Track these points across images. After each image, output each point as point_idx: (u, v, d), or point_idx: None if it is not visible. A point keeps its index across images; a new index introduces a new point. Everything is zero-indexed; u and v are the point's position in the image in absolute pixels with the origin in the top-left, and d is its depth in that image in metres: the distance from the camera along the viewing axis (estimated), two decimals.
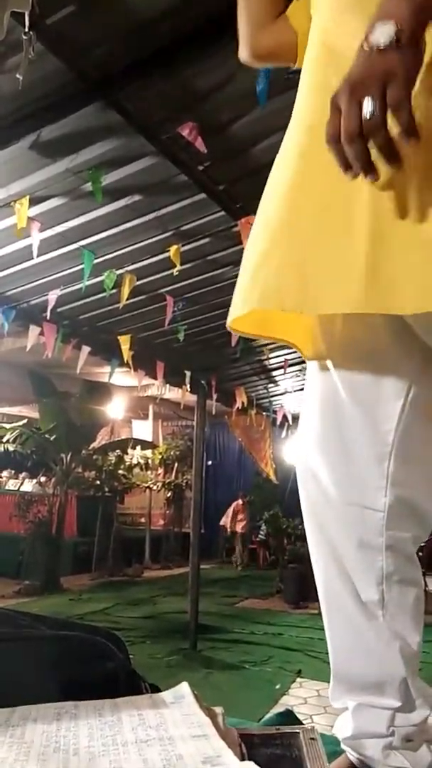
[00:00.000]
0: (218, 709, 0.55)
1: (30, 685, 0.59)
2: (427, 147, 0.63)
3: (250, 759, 0.47)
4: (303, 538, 6.14)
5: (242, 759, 0.46)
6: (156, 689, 0.66)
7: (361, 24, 0.65)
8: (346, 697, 0.86)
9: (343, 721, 0.86)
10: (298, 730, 0.53)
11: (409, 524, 0.79)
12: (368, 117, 0.59)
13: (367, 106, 0.60)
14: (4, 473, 11.05)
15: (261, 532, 11.02)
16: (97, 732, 0.48)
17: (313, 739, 0.51)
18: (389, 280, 0.65)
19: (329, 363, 0.85)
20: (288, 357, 6.02)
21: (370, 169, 0.62)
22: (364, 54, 0.62)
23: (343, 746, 0.85)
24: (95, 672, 0.64)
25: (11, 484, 10.82)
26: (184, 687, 0.58)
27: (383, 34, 0.61)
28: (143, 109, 2.63)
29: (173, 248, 3.53)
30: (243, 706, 3.56)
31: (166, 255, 3.65)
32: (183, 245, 3.62)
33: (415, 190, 0.65)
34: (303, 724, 1.02)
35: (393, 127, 0.60)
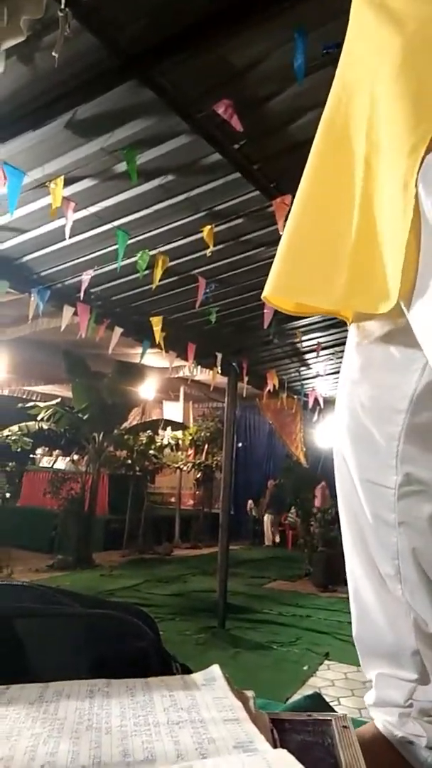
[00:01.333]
0: (249, 693, 0.55)
1: (62, 661, 0.60)
2: None
3: (281, 745, 0.47)
4: (332, 522, 6.17)
5: (274, 744, 0.46)
6: (187, 669, 0.66)
7: None
8: (369, 668, 0.89)
9: (370, 691, 0.89)
10: (330, 717, 0.53)
11: (422, 501, 0.80)
12: None
13: None
14: (39, 450, 11.29)
15: (290, 515, 11.04)
16: (129, 711, 0.48)
17: (345, 727, 0.51)
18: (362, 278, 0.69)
19: (353, 338, 0.86)
20: (321, 340, 5.95)
21: None
22: None
23: (369, 712, 0.88)
24: (127, 650, 0.64)
25: (45, 462, 11.06)
26: (216, 669, 0.58)
27: None
28: (178, 87, 2.60)
29: (206, 228, 3.50)
30: (270, 686, 3.59)
31: (199, 235, 3.62)
32: (216, 225, 3.58)
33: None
34: (332, 708, 1.02)
35: None
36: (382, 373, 0.81)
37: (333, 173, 0.79)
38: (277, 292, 0.83)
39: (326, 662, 4.29)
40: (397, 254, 0.65)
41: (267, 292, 0.85)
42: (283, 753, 0.39)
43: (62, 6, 1.93)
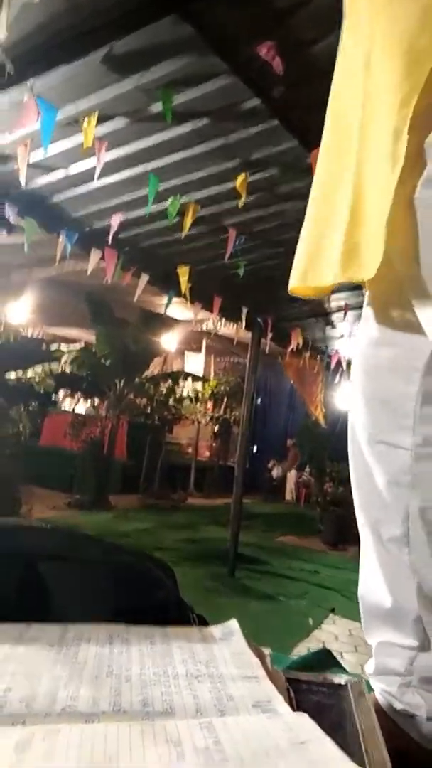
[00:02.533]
0: (266, 650, 0.56)
1: (83, 605, 0.61)
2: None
3: (298, 706, 0.47)
4: (345, 481, 6.19)
5: (290, 705, 0.46)
6: (203, 621, 0.67)
7: None
8: (371, 633, 0.89)
9: (370, 660, 0.90)
10: (345, 681, 0.53)
11: None
12: None
13: None
14: (61, 393, 11.45)
15: (305, 473, 11.13)
16: (148, 660, 0.49)
17: (362, 693, 0.51)
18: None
19: (370, 301, 0.86)
20: (350, 301, 5.84)
21: None
22: None
23: (370, 683, 0.89)
24: (146, 599, 0.65)
25: (66, 404, 11.23)
26: (233, 624, 0.59)
27: None
28: (220, 25, 2.47)
29: (240, 177, 3.39)
30: (276, 636, 3.70)
31: (231, 184, 3.52)
32: (251, 174, 3.47)
33: None
34: (342, 666, 1.04)
35: None
36: (399, 335, 0.80)
37: (335, 152, 0.81)
38: (296, 281, 0.84)
39: (331, 617, 4.40)
40: (383, 206, 0.66)
41: (291, 285, 0.87)
42: (303, 717, 0.39)
43: None
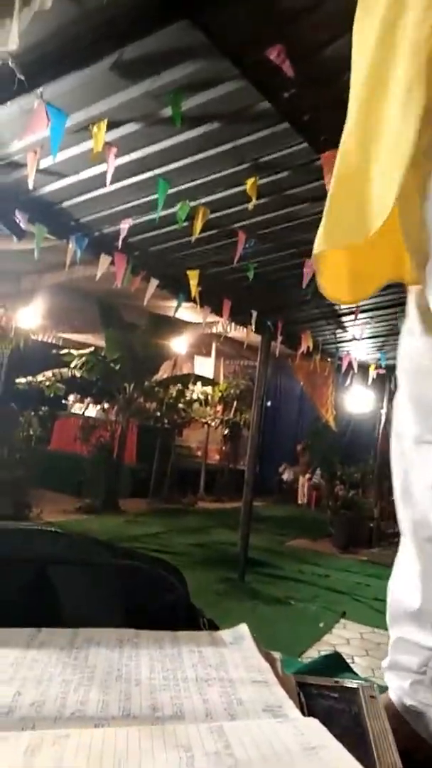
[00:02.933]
0: (276, 655, 0.55)
1: (93, 610, 0.61)
2: None
3: (308, 710, 0.47)
4: (356, 485, 6.19)
5: (301, 709, 0.46)
6: (214, 625, 0.67)
7: None
8: (393, 627, 0.89)
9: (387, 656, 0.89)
10: (356, 685, 0.53)
11: None
12: None
13: None
14: (71, 397, 11.50)
15: (315, 476, 11.10)
16: (158, 664, 0.49)
17: (373, 696, 0.50)
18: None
19: (414, 301, 0.85)
20: (360, 303, 5.81)
21: None
22: None
23: (384, 677, 0.88)
24: (156, 603, 0.65)
25: (76, 408, 11.27)
26: (244, 628, 0.58)
27: None
28: (230, 29, 2.47)
29: (250, 180, 3.40)
30: (286, 640, 3.69)
31: (242, 188, 3.52)
32: (261, 178, 3.47)
33: None
34: (352, 669, 1.04)
35: None
36: None
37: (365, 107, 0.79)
38: (319, 246, 0.81)
39: (342, 621, 4.37)
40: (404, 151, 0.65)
41: (316, 250, 0.84)
42: (314, 722, 0.38)
43: None
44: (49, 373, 9.72)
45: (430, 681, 0.80)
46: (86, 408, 10.97)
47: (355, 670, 1.10)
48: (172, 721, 0.40)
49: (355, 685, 0.52)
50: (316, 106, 3.00)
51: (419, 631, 0.82)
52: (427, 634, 0.81)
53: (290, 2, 2.35)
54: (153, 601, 0.67)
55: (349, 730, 0.45)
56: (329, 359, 7.77)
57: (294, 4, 2.36)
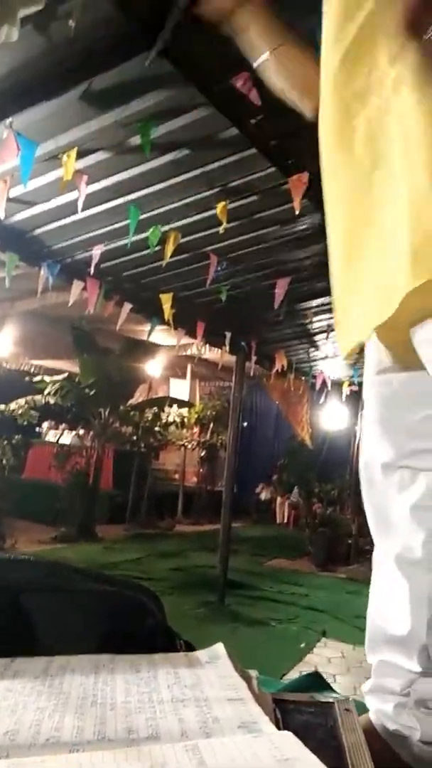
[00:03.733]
0: (252, 672, 0.56)
1: (69, 636, 0.60)
2: None
3: (284, 725, 0.47)
4: (333, 502, 6.20)
5: (277, 725, 0.46)
6: (191, 647, 0.67)
7: None
8: (372, 651, 0.89)
9: (369, 680, 0.89)
10: (332, 700, 0.53)
11: None
12: None
13: None
14: (45, 424, 11.36)
15: (293, 495, 11.10)
16: (134, 688, 0.49)
17: (348, 710, 0.51)
18: None
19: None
20: (331, 322, 5.91)
21: None
22: None
23: (365, 700, 0.88)
24: (133, 627, 0.65)
25: (51, 435, 11.13)
26: (220, 647, 0.59)
27: None
28: (196, 59, 2.54)
29: (220, 205, 3.46)
30: (268, 662, 3.65)
31: (212, 212, 3.58)
32: (231, 202, 3.54)
33: None
34: (332, 687, 1.04)
35: None
36: (410, 357, 0.81)
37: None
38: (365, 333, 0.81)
39: (323, 640, 4.35)
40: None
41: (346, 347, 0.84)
42: (288, 735, 0.39)
43: None
44: (21, 401, 9.61)
45: (414, 703, 0.80)
46: (61, 435, 10.84)
47: (337, 689, 1.10)
48: (147, 742, 0.40)
49: (330, 700, 0.53)
50: (282, 132, 3.08)
51: (403, 656, 0.82)
52: (411, 659, 0.81)
53: None
54: (130, 625, 0.67)
55: (325, 743, 0.46)
56: (303, 378, 7.85)
57: None
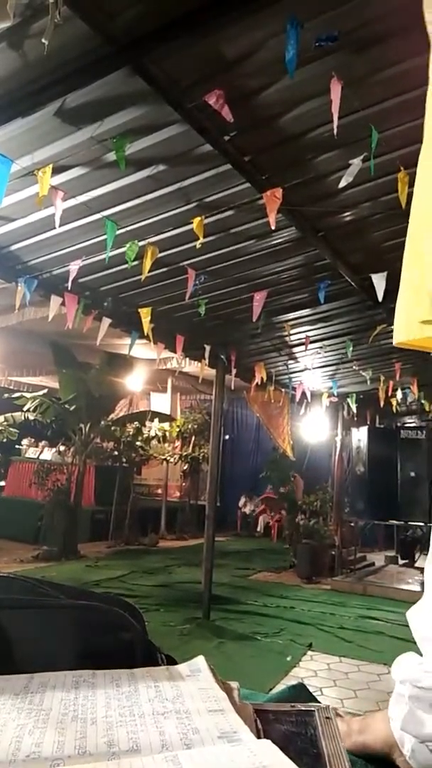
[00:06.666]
0: (234, 684, 0.56)
1: (48, 653, 0.60)
2: None
3: (265, 735, 0.47)
4: (316, 514, 6.20)
5: (258, 735, 0.46)
6: (172, 661, 0.66)
7: None
8: None
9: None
10: (313, 708, 0.54)
11: None
12: None
13: None
14: (24, 441, 11.24)
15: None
16: (114, 702, 0.49)
17: (328, 718, 0.51)
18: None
19: None
20: (309, 334, 5.96)
21: None
22: None
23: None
24: (112, 642, 0.65)
25: (31, 452, 11.01)
26: (201, 660, 0.59)
27: None
28: (170, 76, 2.58)
29: (196, 220, 3.49)
30: (254, 676, 3.63)
31: (189, 227, 3.61)
32: (206, 217, 3.57)
33: None
34: (316, 698, 1.04)
35: None
36: None
37: None
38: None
39: (309, 653, 4.34)
40: None
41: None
42: (266, 743, 0.39)
43: None
44: (0, 418, 9.50)
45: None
46: (41, 451, 10.72)
47: (324, 702, 1.09)
48: (128, 755, 0.40)
49: (312, 708, 0.53)
50: (256, 148, 3.13)
51: None
52: None
53: (226, 50, 2.47)
54: (110, 639, 0.67)
55: (305, 751, 0.46)
56: (283, 389, 7.89)
57: (230, 53, 2.49)
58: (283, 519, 10.49)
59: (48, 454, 10.43)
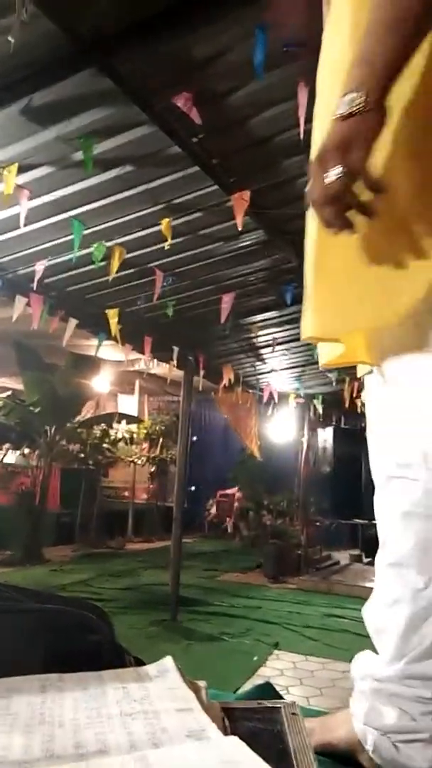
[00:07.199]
0: (201, 683, 0.56)
1: (15, 657, 0.59)
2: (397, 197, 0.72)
3: (232, 732, 0.48)
4: (283, 514, 6.25)
5: (225, 732, 0.47)
6: (140, 662, 0.67)
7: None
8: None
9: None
10: (279, 705, 0.54)
11: None
12: (330, 184, 0.69)
13: (330, 174, 0.69)
14: None
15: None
16: (82, 704, 0.49)
17: (294, 713, 0.52)
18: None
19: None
20: (276, 335, 6.01)
21: (345, 226, 0.72)
22: (331, 124, 0.72)
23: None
24: (80, 645, 0.65)
25: None
26: (168, 661, 0.59)
27: (345, 103, 0.68)
28: (137, 77, 2.57)
29: (164, 221, 3.48)
30: (221, 677, 3.64)
31: (157, 228, 3.60)
32: (174, 219, 3.57)
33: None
34: (281, 696, 1.05)
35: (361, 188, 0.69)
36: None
37: None
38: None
39: (276, 652, 4.37)
40: None
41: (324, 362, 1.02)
42: (234, 740, 0.40)
43: None
44: None
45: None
46: (5, 455, 10.52)
47: (290, 700, 1.11)
48: (96, 756, 0.40)
49: (278, 705, 0.54)
50: (224, 151, 3.14)
51: None
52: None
53: (195, 52, 2.48)
54: (78, 642, 0.67)
55: (272, 747, 0.47)
56: (251, 391, 7.93)
57: (199, 54, 2.50)
58: (233, 517, 10.54)
59: (12, 457, 10.24)
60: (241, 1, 2.20)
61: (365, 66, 0.68)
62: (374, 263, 0.78)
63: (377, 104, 0.67)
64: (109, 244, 3.83)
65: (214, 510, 11.96)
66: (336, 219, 0.71)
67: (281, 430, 9.62)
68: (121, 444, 10.36)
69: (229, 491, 10.84)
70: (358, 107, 0.66)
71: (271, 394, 7.73)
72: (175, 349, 5.85)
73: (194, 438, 12.06)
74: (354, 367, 1.01)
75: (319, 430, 8.51)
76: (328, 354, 1.00)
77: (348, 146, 0.67)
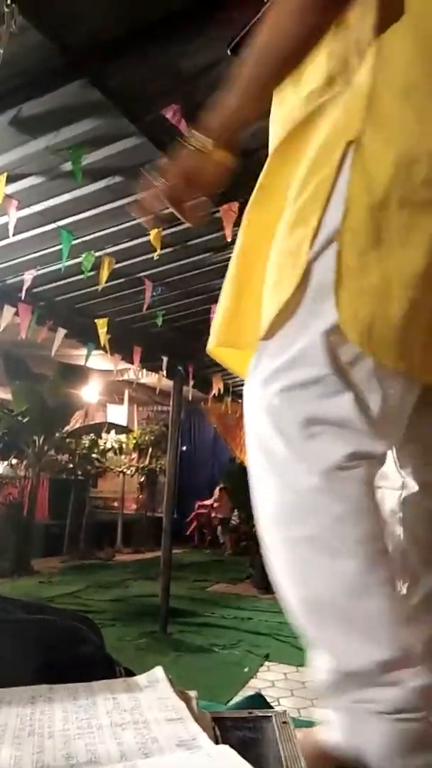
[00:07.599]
0: (192, 693, 0.56)
1: (5, 668, 0.59)
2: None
3: (223, 742, 0.48)
4: None
5: (216, 741, 0.47)
6: (130, 673, 0.66)
7: None
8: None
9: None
10: (270, 714, 0.54)
11: None
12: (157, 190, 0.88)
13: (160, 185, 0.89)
14: None
15: (233, 518, 11.11)
16: (72, 715, 0.49)
17: (285, 722, 0.52)
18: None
19: None
20: None
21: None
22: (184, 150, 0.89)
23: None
24: (70, 656, 0.64)
25: None
26: (159, 671, 0.59)
27: (195, 137, 0.88)
28: (127, 89, 2.59)
29: (154, 232, 3.50)
30: (212, 689, 3.60)
31: (146, 238, 3.61)
32: (164, 229, 3.58)
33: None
34: (272, 707, 1.05)
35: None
36: None
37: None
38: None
39: (266, 663, 4.34)
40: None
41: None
42: (225, 748, 0.40)
43: (8, 2, 1.90)
44: None
45: None
46: None
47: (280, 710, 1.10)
48: (86, 767, 0.40)
49: (269, 714, 0.54)
50: None
51: None
52: None
53: (184, 64, 2.50)
54: (67, 654, 0.66)
55: (263, 756, 0.47)
56: (240, 401, 7.94)
57: (188, 67, 2.52)
58: (239, 529, 10.50)
59: None
60: (229, 14, 2.22)
61: (223, 110, 0.77)
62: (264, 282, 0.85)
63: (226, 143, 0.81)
64: (98, 254, 3.84)
65: (194, 522, 11.92)
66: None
67: None
68: (110, 454, 10.31)
69: (207, 502, 10.83)
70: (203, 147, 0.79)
71: None
72: (165, 358, 5.85)
73: (184, 448, 12.04)
74: None
75: None
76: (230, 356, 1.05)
77: (183, 175, 0.79)
